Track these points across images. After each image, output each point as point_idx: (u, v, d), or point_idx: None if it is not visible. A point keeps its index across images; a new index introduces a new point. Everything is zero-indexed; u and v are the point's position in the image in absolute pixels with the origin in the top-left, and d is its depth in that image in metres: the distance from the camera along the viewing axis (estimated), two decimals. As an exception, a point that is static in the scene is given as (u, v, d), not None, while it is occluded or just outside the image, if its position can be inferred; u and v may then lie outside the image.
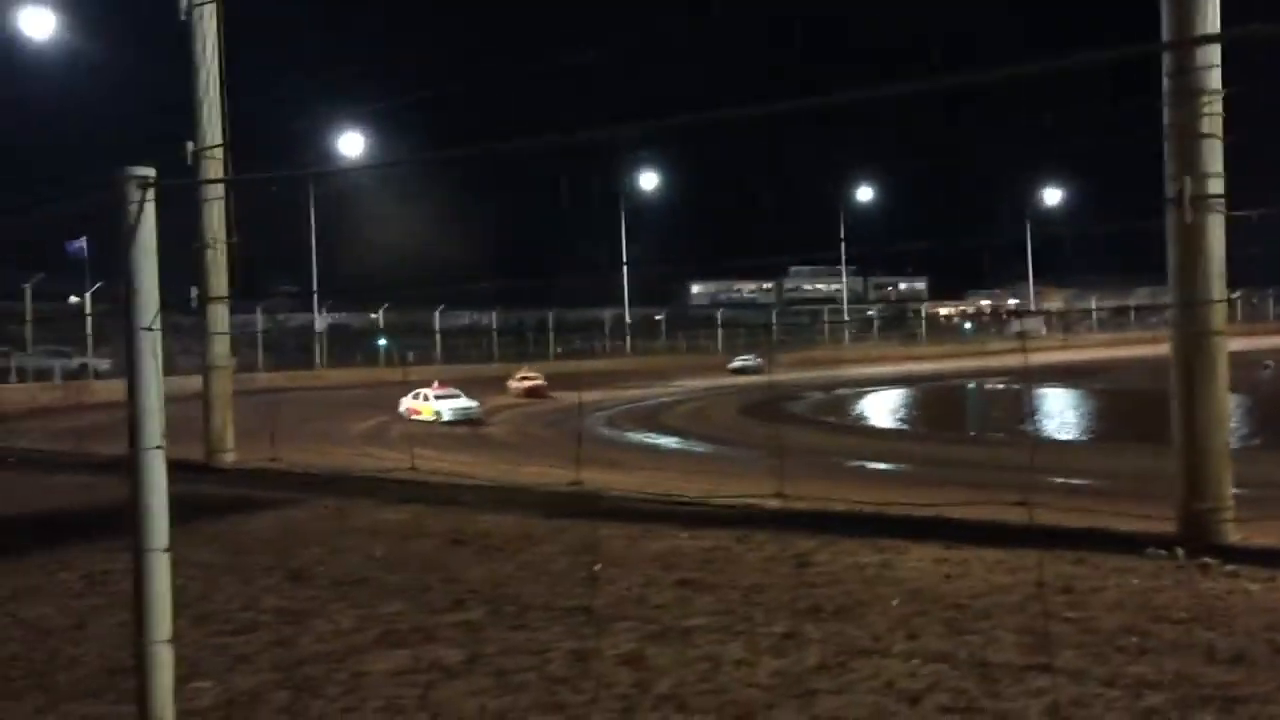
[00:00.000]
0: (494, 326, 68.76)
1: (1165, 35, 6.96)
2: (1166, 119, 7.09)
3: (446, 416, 38.25)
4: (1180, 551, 6.58)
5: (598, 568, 6.74)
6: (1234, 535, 6.81)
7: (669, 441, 35.93)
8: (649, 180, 73.87)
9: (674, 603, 6.07)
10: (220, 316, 13.88)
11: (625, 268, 72.00)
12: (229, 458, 13.74)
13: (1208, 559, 6.40)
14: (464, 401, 39.24)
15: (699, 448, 33.60)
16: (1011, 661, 4.82)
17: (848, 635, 5.31)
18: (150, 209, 3.28)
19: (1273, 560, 6.27)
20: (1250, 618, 5.28)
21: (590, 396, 46.52)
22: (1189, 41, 6.79)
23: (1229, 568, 6.23)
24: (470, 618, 5.83)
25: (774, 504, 9.00)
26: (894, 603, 5.89)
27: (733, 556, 7.37)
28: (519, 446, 34.97)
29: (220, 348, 13.99)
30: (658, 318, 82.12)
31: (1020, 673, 4.65)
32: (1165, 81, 7.01)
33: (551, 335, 69.69)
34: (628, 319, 77.54)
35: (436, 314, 66.78)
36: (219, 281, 13.61)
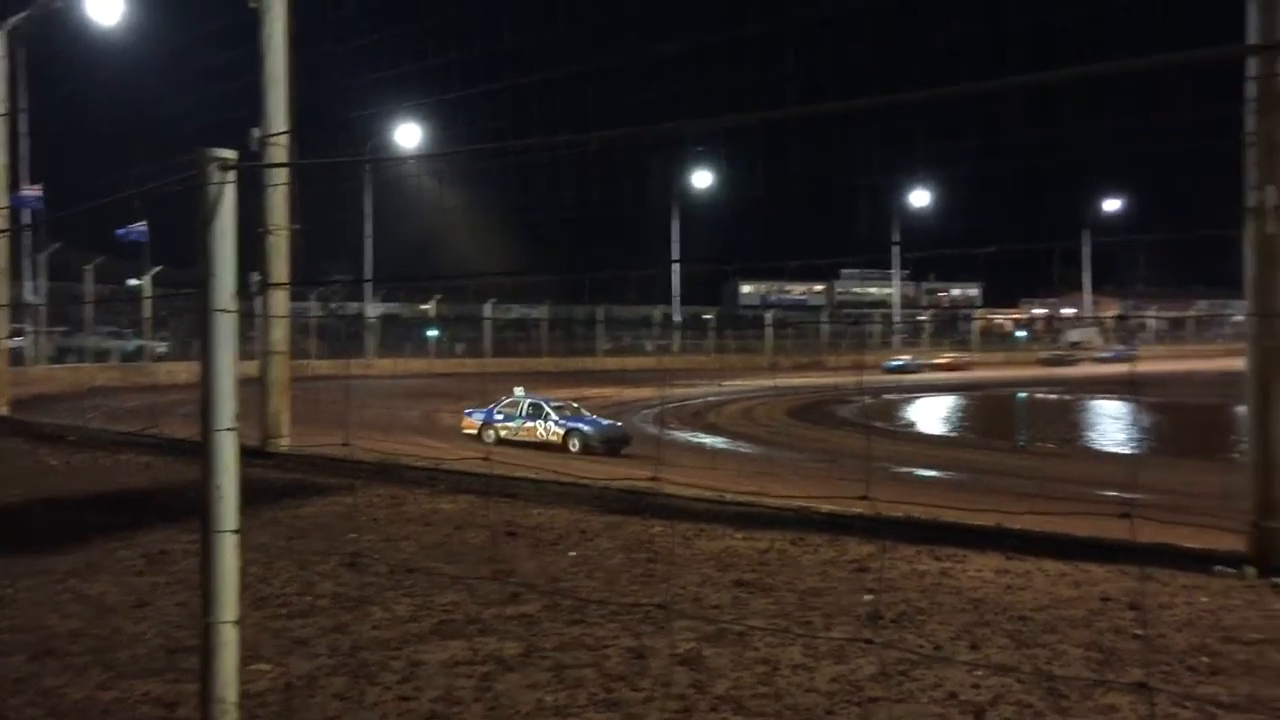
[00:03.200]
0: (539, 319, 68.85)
1: (1252, 39, 6.77)
2: (1250, 126, 6.90)
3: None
4: (1250, 570, 6.41)
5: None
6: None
7: (717, 441, 35.79)
8: (702, 178, 73.49)
9: (731, 604, 6.01)
10: (281, 302, 13.98)
11: (677, 265, 71.74)
12: (285, 443, 13.84)
13: (1279, 579, 6.22)
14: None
15: (746, 448, 33.41)
16: (1079, 676, 4.71)
17: (908, 643, 5.22)
18: (230, 191, 3.28)
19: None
20: (1324, 641, 5.12)
21: (637, 394, 46.49)
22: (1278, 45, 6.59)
23: (1303, 589, 6.07)
24: (526, 611, 5.80)
25: (828, 508, 8.89)
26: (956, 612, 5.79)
27: (789, 559, 7.29)
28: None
29: (279, 333, 14.10)
30: (706, 317, 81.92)
31: (1088, 688, 4.54)
32: (1250, 86, 6.83)
33: (599, 330, 69.75)
34: (677, 316, 77.39)
35: (487, 306, 67.06)
36: (280, 268, 13.71)
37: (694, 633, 5.35)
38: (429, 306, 67.99)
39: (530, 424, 26.41)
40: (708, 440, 36.54)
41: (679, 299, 76.59)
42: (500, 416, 26.91)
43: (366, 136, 48.50)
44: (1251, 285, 7.02)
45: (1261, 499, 6.80)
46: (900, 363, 68.08)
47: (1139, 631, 5.35)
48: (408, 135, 52.22)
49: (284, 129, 13.64)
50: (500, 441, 25.21)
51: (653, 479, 8.38)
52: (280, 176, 12.73)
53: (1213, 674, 4.76)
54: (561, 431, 25.90)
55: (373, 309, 62.87)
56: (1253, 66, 6.78)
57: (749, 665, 4.86)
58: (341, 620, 5.59)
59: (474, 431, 27.01)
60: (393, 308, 66.58)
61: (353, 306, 63.56)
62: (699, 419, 43.63)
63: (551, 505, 9.63)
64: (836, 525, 8.27)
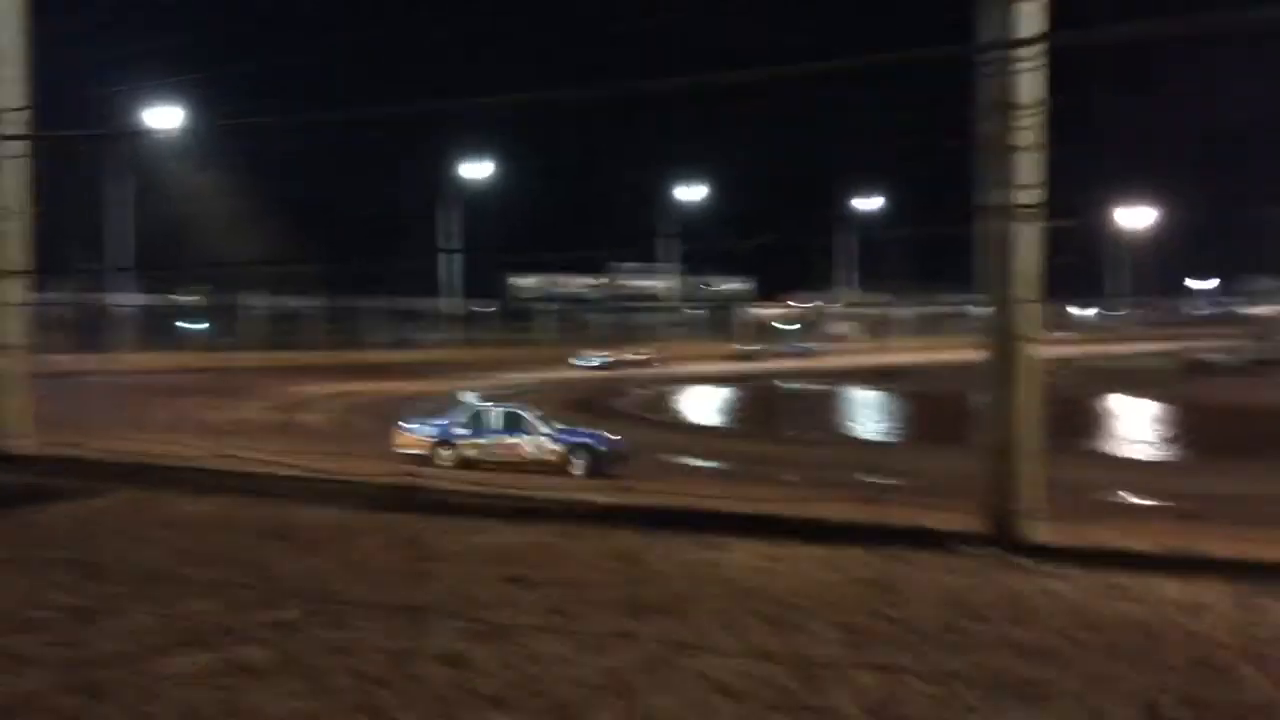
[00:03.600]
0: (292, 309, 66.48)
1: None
2: (983, 129, 7.34)
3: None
4: (994, 550, 6.82)
5: None
6: (1044, 535, 7.10)
7: (494, 434, 35.47)
8: (481, 169, 72.67)
9: (500, 600, 5.91)
10: (14, 291, 12.89)
11: (457, 254, 70.72)
12: (27, 444, 12.78)
13: (1019, 558, 6.65)
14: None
15: (525, 441, 33.23)
16: (834, 658, 4.87)
17: (673, 632, 5.27)
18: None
19: (1077, 559, 6.57)
20: (1057, 616, 5.50)
21: (417, 388, 45.57)
22: (1010, 43, 7.01)
23: (1036, 566, 6.50)
24: (284, 617, 5.52)
25: (602, 500, 8.94)
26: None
27: (560, 552, 7.26)
28: (339, 438, 34.00)
29: (14, 325, 13.00)
30: (489, 310, 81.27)
31: (842, 670, 4.70)
32: (983, 93, 7.26)
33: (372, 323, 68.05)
34: (462, 309, 76.40)
35: (256, 297, 64.23)
36: (12, 254, 12.64)
37: (460, 631, 5.23)
38: (191, 298, 64.41)
39: (511, 439, 20.62)
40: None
41: (446, 289, 75.42)
42: (463, 431, 20.85)
43: (130, 117, 45.58)
44: (986, 279, 7.47)
45: (998, 482, 7.26)
46: (594, 361, 62.35)
47: (891, 613, 5.59)
48: (167, 117, 49.30)
49: (21, 105, 12.57)
50: (465, 464, 19.69)
51: (408, 474, 8.18)
52: (12, 152, 11.73)
53: (956, 650, 5.02)
54: (560, 449, 20.37)
55: (127, 299, 58.93)
56: (985, 72, 7.21)
57: (513, 662, 4.78)
58: (75, 634, 5.16)
59: (422, 451, 20.33)
60: (146, 299, 62.57)
61: (110, 298, 59.41)
62: (476, 413, 43.06)
63: (320, 504, 9.26)
64: (609, 518, 8.31)
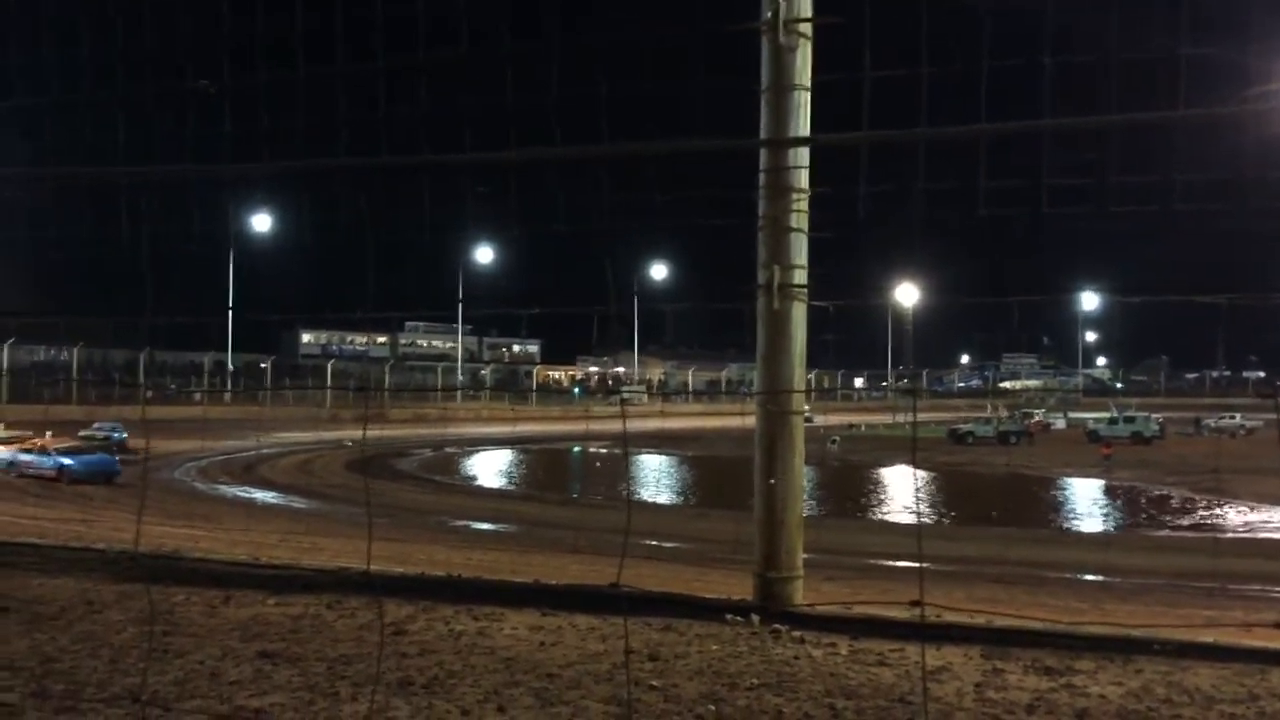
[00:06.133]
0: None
1: (762, 134, 7.52)
2: (761, 210, 7.63)
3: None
4: (755, 618, 6.97)
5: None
6: (802, 602, 7.31)
7: (268, 496, 34.09)
8: (261, 221, 70.25)
9: (251, 678, 5.59)
10: None
11: (230, 312, 67.90)
12: None
13: (779, 625, 6.81)
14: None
15: (300, 503, 32.12)
16: (598, 732, 4.83)
17: (436, 710, 5.12)
18: None
19: (833, 626, 6.78)
20: (813, 683, 5.64)
21: (183, 446, 43.23)
22: (786, 142, 7.36)
23: (797, 634, 6.67)
24: (3, 700, 5.05)
25: (375, 568, 8.64)
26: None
27: (322, 625, 6.95)
28: (93, 497, 31.89)
29: None
30: (263, 365, 78.24)
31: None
32: (761, 177, 7.57)
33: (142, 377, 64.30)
34: (230, 364, 73.18)
35: (4, 347, 59.75)
36: None
37: (204, 714, 4.91)
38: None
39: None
40: (259, 495, 34.67)
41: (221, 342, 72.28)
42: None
43: None
44: (761, 355, 7.73)
45: (765, 552, 7.44)
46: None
47: (655, 683, 5.61)
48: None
49: None
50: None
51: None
52: None
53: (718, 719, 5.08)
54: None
55: None
56: (762, 159, 7.52)
57: (262, 747, 4.52)
58: None
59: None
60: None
61: None
62: (251, 472, 41.40)
63: (57, 574, 8.57)
64: (377, 586, 8.03)
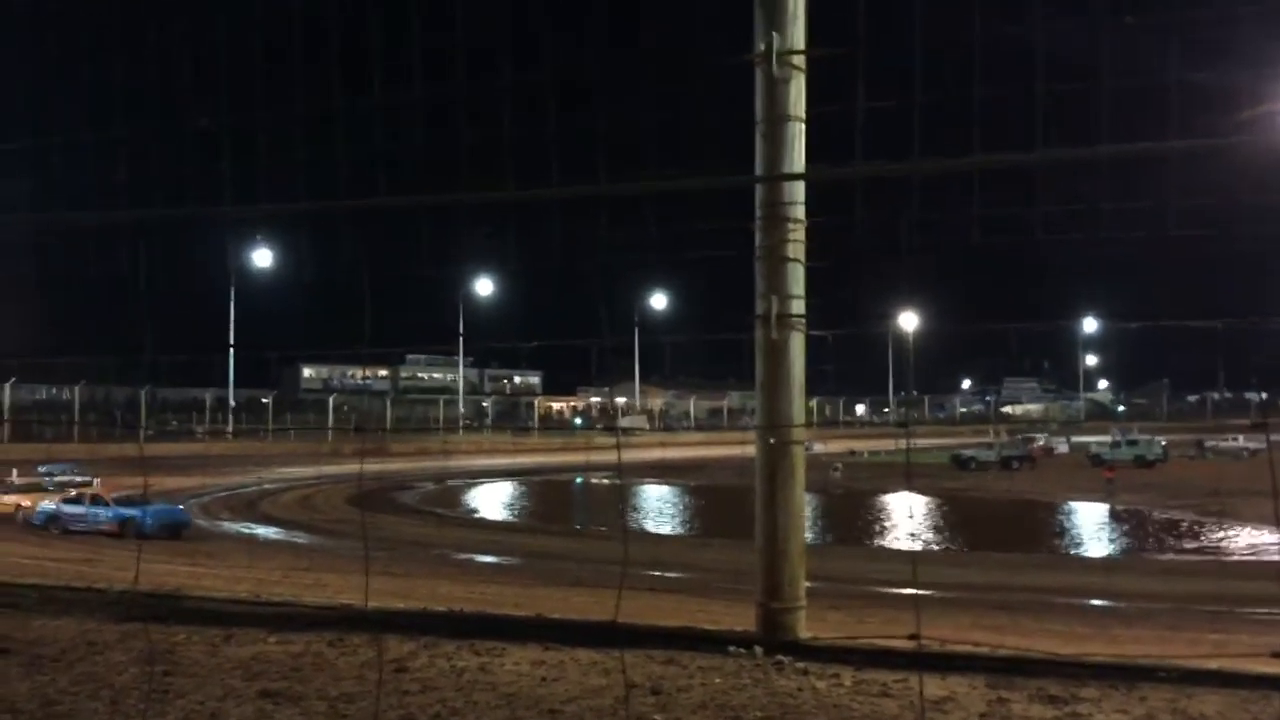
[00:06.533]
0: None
1: (759, 169, 7.56)
2: (758, 241, 7.66)
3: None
4: (759, 650, 6.94)
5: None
6: (805, 633, 7.27)
7: (270, 532, 34.01)
8: (262, 257, 70.58)
9: (252, 718, 5.57)
10: None
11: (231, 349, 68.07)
12: None
13: (782, 657, 6.78)
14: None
15: (302, 539, 32.03)
16: (601, 768, 4.81)
17: (439, 748, 5.10)
18: None
19: (837, 657, 6.75)
20: (816, 715, 5.62)
21: (185, 483, 43.17)
22: (779, 177, 7.40)
23: (800, 665, 6.64)
24: (3, 745, 5.03)
25: (373, 604, 8.62)
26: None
27: (324, 662, 6.93)
28: (92, 537, 31.79)
29: None
30: (265, 400, 78.26)
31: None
32: (757, 209, 7.61)
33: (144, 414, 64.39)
34: (231, 400, 73.21)
35: (6, 387, 59.81)
36: None
37: (206, 756, 4.89)
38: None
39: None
40: (261, 531, 34.59)
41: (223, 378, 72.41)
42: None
43: None
44: (760, 385, 7.74)
45: (767, 582, 7.42)
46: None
47: (658, 717, 5.59)
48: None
49: None
50: None
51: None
52: None
53: (721, 753, 5.06)
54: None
55: None
56: (758, 192, 7.56)
57: (264, 788, 4.50)
58: None
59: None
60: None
61: None
62: (253, 508, 41.32)
63: (58, 615, 8.55)
64: (379, 623, 8.00)
